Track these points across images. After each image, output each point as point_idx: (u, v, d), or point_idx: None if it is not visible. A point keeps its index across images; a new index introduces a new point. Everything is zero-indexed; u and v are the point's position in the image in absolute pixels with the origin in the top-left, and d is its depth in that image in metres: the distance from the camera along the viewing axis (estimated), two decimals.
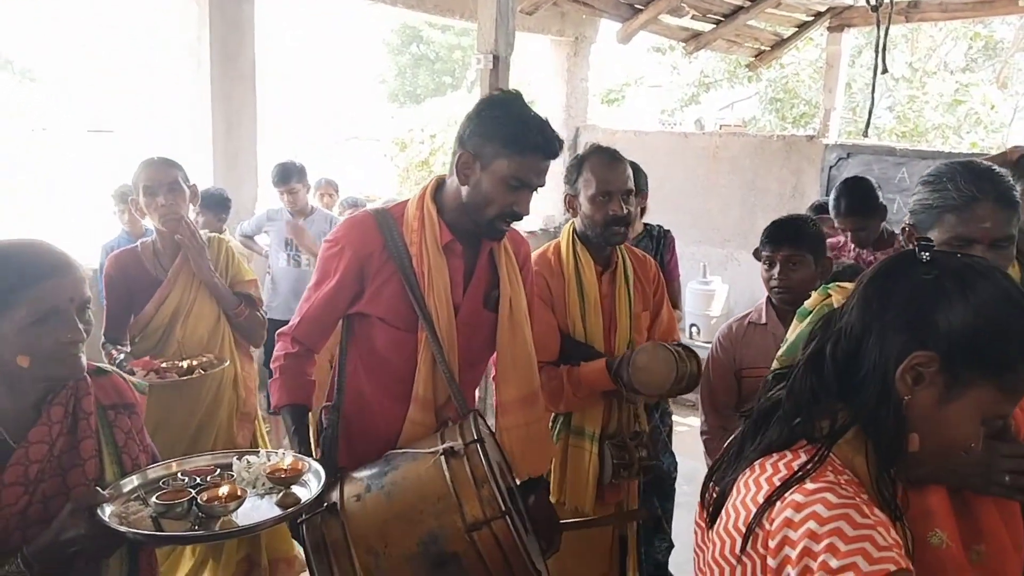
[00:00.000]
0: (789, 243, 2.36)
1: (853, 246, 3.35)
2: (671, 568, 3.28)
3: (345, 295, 1.91)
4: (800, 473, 1.03)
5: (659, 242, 3.33)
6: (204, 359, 2.66)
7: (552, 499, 2.28)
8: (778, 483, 1.04)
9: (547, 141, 1.82)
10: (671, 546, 3.28)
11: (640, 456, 2.31)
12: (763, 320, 2.46)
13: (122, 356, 2.62)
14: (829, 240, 3.33)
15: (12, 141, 14.48)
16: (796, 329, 1.68)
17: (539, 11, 6.22)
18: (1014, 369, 1.03)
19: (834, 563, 0.93)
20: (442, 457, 1.63)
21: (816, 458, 1.05)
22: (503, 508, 1.56)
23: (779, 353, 1.69)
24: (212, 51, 5.16)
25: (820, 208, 4.31)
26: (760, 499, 1.04)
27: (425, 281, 1.86)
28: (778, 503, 1.02)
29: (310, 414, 2.02)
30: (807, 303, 1.70)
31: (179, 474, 1.59)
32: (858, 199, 3.42)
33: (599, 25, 7.55)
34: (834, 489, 1.00)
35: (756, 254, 2.47)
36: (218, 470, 1.63)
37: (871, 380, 1.06)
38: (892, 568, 0.93)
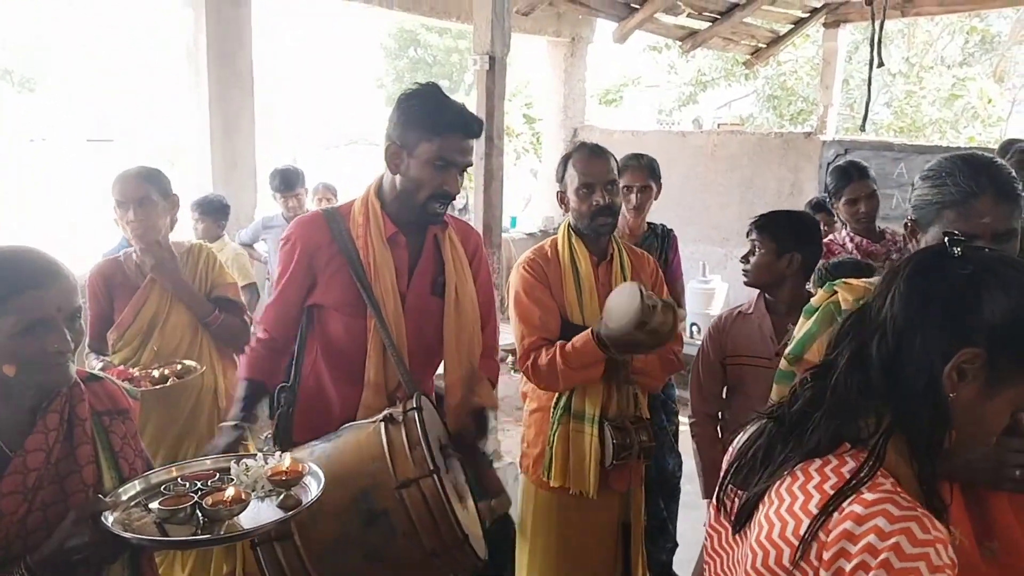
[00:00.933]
0: (757, 230, 2.48)
1: (851, 244, 3.34)
2: (675, 568, 3.28)
3: (298, 286, 2.06)
4: (855, 481, 1.01)
5: (664, 240, 3.34)
6: (179, 367, 2.63)
7: (555, 484, 2.35)
8: (831, 491, 1.01)
9: (464, 121, 1.96)
10: (675, 546, 3.28)
11: (640, 439, 2.33)
12: (751, 310, 2.56)
13: (100, 365, 2.58)
14: (827, 238, 3.33)
15: (12, 151, 14.50)
16: (803, 326, 1.68)
17: (535, 12, 6.24)
18: None
19: None
20: (382, 423, 1.74)
21: (870, 462, 1.02)
22: (431, 467, 1.64)
23: (787, 351, 1.69)
24: (209, 55, 5.17)
25: (818, 205, 4.30)
26: (813, 509, 1.02)
27: (372, 271, 1.99)
28: (835, 514, 0.99)
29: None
30: (812, 300, 1.71)
31: (179, 479, 1.59)
32: (849, 165, 3.46)
33: (595, 25, 7.57)
34: (895, 499, 0.98)
35: None
36: (217, 474, 1.63)
37: (917, 378, 1.04)
38: None
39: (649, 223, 3.34)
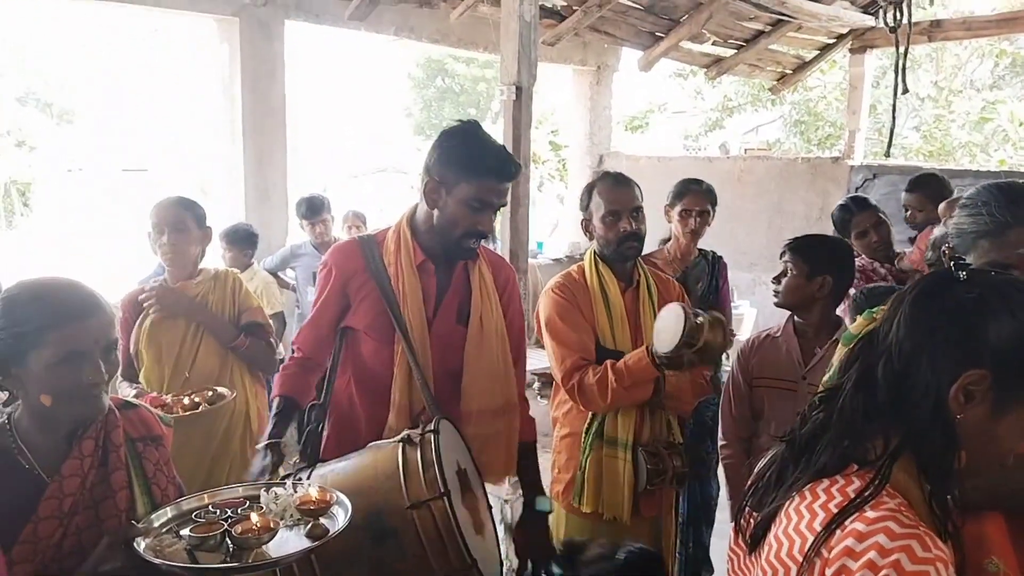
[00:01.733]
0: (790, 251, 2.50)
1: (884, 270, 3.31)
2: None
3: (333, 309, 2.13)
4: (858, 500, 1.02)
5: (713, 266, 3.35)
6: (210, 394, 2.68)
7: (587, 510, 2.36)
8: (835, 510, 1.03)
9: (501, 165, 2.01)
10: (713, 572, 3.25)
11: (674, 464, 2.32)
12: (779, 333, 2.56)
13: (133, 392, 2.64)
14: (860, 263, 3.31)
15: (50, 182, 14.87)
16: (839, 355, 1.67)
17: (561, 42, 6.31)
18: None
19: None
20: (399, 444, 1.78)
21: (875, 482, 1.04)
22: (443, 490, 1.66)
23: (824, 379, 1.68)
24: (243, 89, 5.30)
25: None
26: (817, 526, 1.03)
27: (401, 297, 2.05)
28: (838, 531, 1.01)
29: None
30: (852, 327, 1.69)
31: (210, 506, 1.61)
32: (848, 200, 3.52)
33: (621, 53, 7.63)
34: (896, 518, 0.99)
35: None
36: (247, 502, 1.65)
37: (924, 400, 1.05)
38: None
39: (700, 249, 3.34)
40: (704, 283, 3.27)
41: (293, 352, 2.19)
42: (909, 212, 3.48)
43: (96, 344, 1.43)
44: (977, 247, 1.52)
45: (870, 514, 1.00)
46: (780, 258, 2.52)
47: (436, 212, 2.05)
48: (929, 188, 3.39)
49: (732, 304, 6.26)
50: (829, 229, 6.53)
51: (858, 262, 3.29)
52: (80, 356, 1.41)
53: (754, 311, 6.33)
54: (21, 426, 1.49)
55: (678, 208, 3.23)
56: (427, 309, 2.09)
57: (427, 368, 2.06)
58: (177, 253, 2.76)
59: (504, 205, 2.10)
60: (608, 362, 2.32)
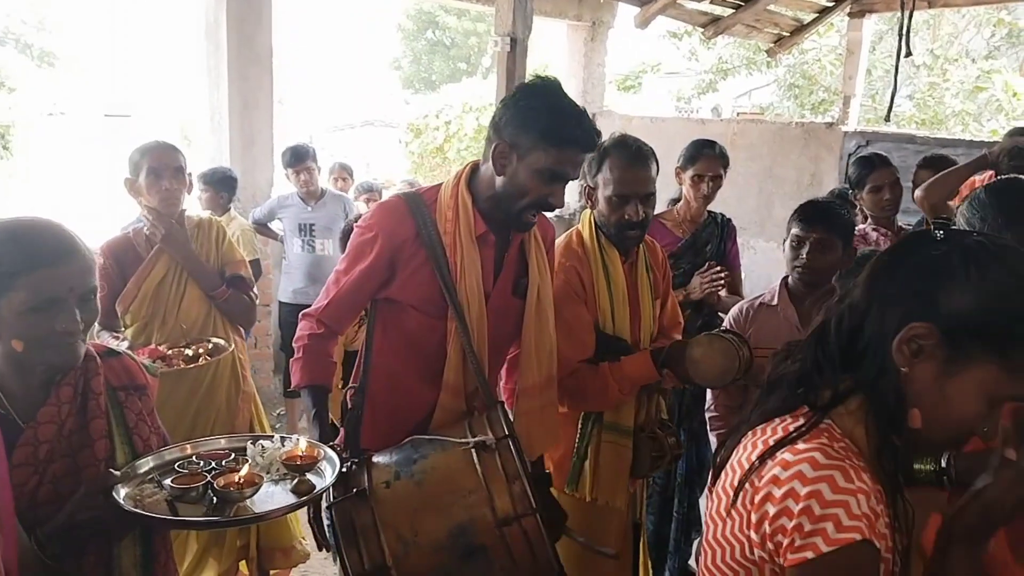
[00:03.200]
0: (823, 226, 2.35)
1: (876, 235, 3.30)
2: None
3: (375, 281, 1.92)
4: (794, 434, 1.06)
5: (723, 229, 3.28)
6: (210, 345, 2.64)
7: (590, 497, 2.27)
8: (772, 443, 1.07)
9: (585, 134, 1.81)
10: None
11: (670, 444, 2.30)
12: (775, 302, 2.48)
13: (125, 346, 2.57)
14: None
15: (30, 125, 14.57)
16: None
17: None
18: (1019, 348, 1.01)
19: (807, 526, 0.98)
20: (473, 450, 1.65)
21: (813, 421, 1.07)
22: (533, 506, 1.58)
23: None
24: (229, 32, 5.15)
25: (841, 196, 4.27)
26: (754, 457, 1.08)
27: (458, 271, 1.87)
28: (769, 461, 1.05)
29: (330, 396, 2.04)
30: None
31: (194, 457, 1.57)
32: (872, 154, 3.51)
33: (617, 9, 7.49)
34: (824, 450, 1.02)
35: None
36: (232, 454, 1.61)
37: (871, 351, 1.07)
38: (857, 537, 0.96)
39: (710, 211, 3.29)
40: (713, 245, 3.22)
41: (315, 327, 1.96)
42: (918, 190, 3.45)
43: (71, 292, 1.36)
44: None
45: (800, 446, 1.04)
46: (803, 233, 2.36)
47: (503, 178, 1.85)
48: (943, 166, 3.35)
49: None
50: (820, 195, 6.53)
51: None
52: (54, 303, 1.34)
53: (743, 275, 6.32)
54: None
55: (690, 172, 3.13)
56: (486, 282, 1.92)
57: (482, 347, 1.92)
58: (177, 198, 2.69)
59: (576, 178, 1.90)
60: (607, 366, 2.19)
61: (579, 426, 2.28)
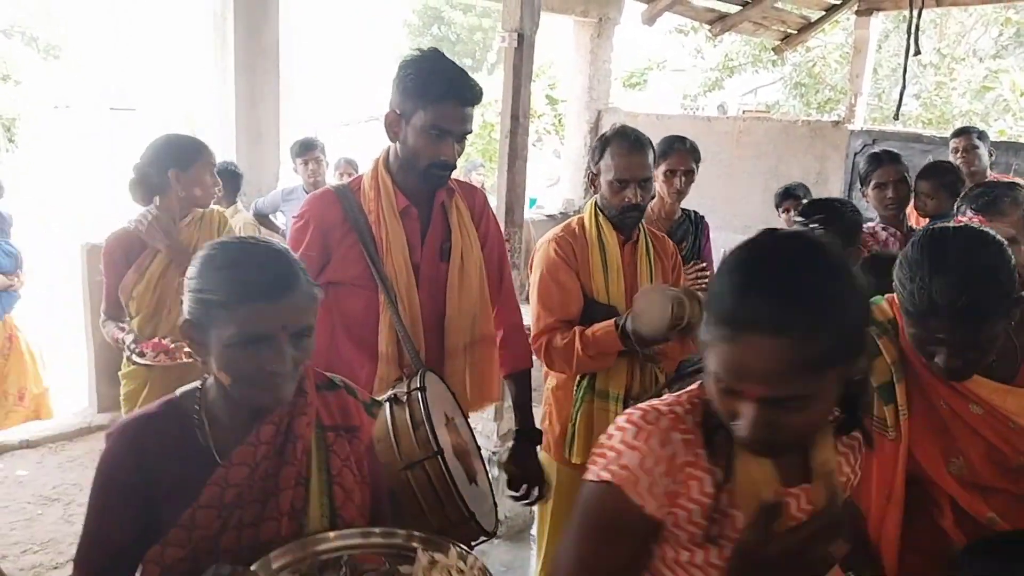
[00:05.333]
0: (833, 225, 2.38)
1: (885, 234, 3.28)
2: None
3: (312, 264, 2.02)
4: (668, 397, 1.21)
5: (697, 226, 3.32)
6: None
7: (577, 461, 2.34)
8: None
9: (459, 88, 1.93)
10: None
11: None
12: None
13: (131, 338, 2.60)
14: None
15: (36, 118, 14.58)
16: None
17: None
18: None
19: (594, 458, 1.17)
20: (387, 404, 1.76)
21: (689, 389, 1.20)
22: (436, 448, 1.67)
23: None
24: (236, 29, 5.16)
25: (785, 192, 4.41)
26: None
27: (383, 246, 2.00)
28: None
29: None
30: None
31: (344, 557, 1.32)
32: (881, 151, 3.46)
33: (623, 5, 7.47)
34: (654, 411, 1.14)
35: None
36: (387, 563, 1.35)
37: None
38: (608, 479, 1.11)
39: (683, 208, 3.30)
40: (688, 242, 3.24)
41: None
42: (919, 199, 3.43)
43: (284, 329, 1.24)
44: (905, 317, 1.45)
45: (647, 405, 1.17)
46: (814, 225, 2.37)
47: (399, 146, 2.00)
48: (945, 176, 3.33)
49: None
50: (826, 193, 6.51)
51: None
52: (263, 340, 1.23)
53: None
54: (209, 396, 1.36)
55: (663, 168, 3.15)
56: (413, 254, 2.05)
57: (415, 317, 2.03)
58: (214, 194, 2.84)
59: (468, 132, 2.00)
60: (577, 329, 2.30)
61: (573, 391, 2.39)
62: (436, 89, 1.91)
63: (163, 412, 1.35)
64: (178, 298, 2.70)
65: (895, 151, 3.46)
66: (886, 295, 1.61)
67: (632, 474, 1.09)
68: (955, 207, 2.35)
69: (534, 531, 3.49)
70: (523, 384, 2.31)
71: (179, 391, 1.40)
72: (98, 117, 15.50)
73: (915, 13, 4.05)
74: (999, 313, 1.35)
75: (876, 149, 3.53)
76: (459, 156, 2.02)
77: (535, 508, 2.55)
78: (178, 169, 2.69)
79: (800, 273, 1.01)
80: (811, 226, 2.39)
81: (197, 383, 1.38)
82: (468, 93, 1.95)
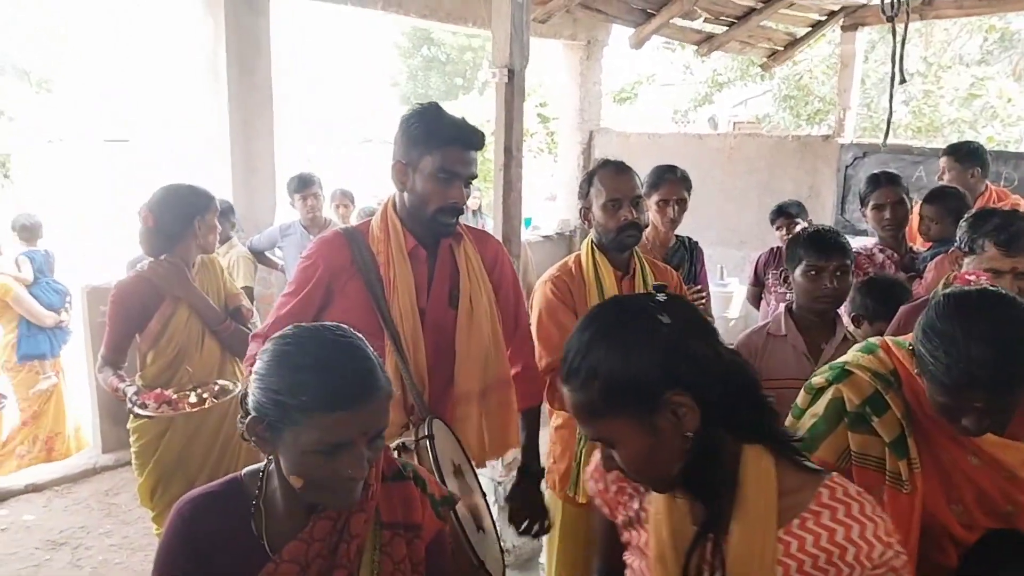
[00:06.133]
0: (840, 252, 2.38)
1: (882, 256, 3.29)
2: None
3: (314, 305, 2.08)
4: None
5: (691, 252, 3.37)
6: (216, 387, 2.67)
7: (583, 499, 2.36)
8: None
9: (463, 133, 2.01)
10: None
11: None
12: (783, 331, 2.48)
13: (132, 390, 2.56)
14: (858, 250, 3.28)
15: (30, 152, 14.63)
16: (806, 403, 1.66)
17: (552, 18, 6.23)
18: None
19: None
20: (394, 452, 1.76)
21: None
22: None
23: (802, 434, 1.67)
24: (229, 65, 5.20)
25: (778, 210, 4.45)
26: None
27: (391, 287, 2.03)
28: None
29: None
30: (813, 380, 1.67)
31: None
32: (881, 172, 3.43)
33: (611, 28, 7.55)
34: None
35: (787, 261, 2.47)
36: None
37: None
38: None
39: (677, 235, 3.34)
40: (684, 268, 3.28)
41: (261, 345, 2.09)
42: (923, 223, 3.45)
43: (364, 435, 1.20)
44: (933, 385, 1.42)
45: None
46: (822, 262, 2.35)
47: (407, 194, 2.05)
48: (948, 202, 3.35)
49: (721, 282, 6.32)
50: (818, 207, 6.57)
51: (857, 247, 3.29)
52: (344, 447, 1.18)
53: (744, 288, 6.35)
54: (270, 485, 1.30)
55: (655, 198, 3.20)
56: (420, 297, 2.07)
57: (420, 362, 2.04)
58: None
59: (474, 176, 2.07)
60: None
61: (577, 429, 2.37)
62: (442, 135, 1.98)
63: (224, 492, 1.31)
64: (196, 348, 2.75)
65: (894, 172, 3.46)
66: (879, 341, 1.63)
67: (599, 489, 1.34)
68: (966, 236, 2.33)
69: (542, 559, 3.52)
70: (531, 421, 2.32)
71: (245, 471, 1.34)
72: (92, 149, 15.56)
73: (898, 41, 4.09)
74: None
75: (878, 171, 3.52)
76: (467, 199, 2.08)
77: (543, 537, 2.57)
78: (199, 217, 2.75)
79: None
80: (833, 262, 2.38)
81: (261, 464, 1.32)
82: (473, 138, 2.02)
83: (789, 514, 1.13)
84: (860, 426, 1.52)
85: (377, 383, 1.20)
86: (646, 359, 1.10)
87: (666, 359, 1.10)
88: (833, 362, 1.66)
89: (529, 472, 2.29)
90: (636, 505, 1.29)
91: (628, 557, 1.32)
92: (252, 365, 2.05)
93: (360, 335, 1.26)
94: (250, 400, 1.23)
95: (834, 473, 1.16)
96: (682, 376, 1.10)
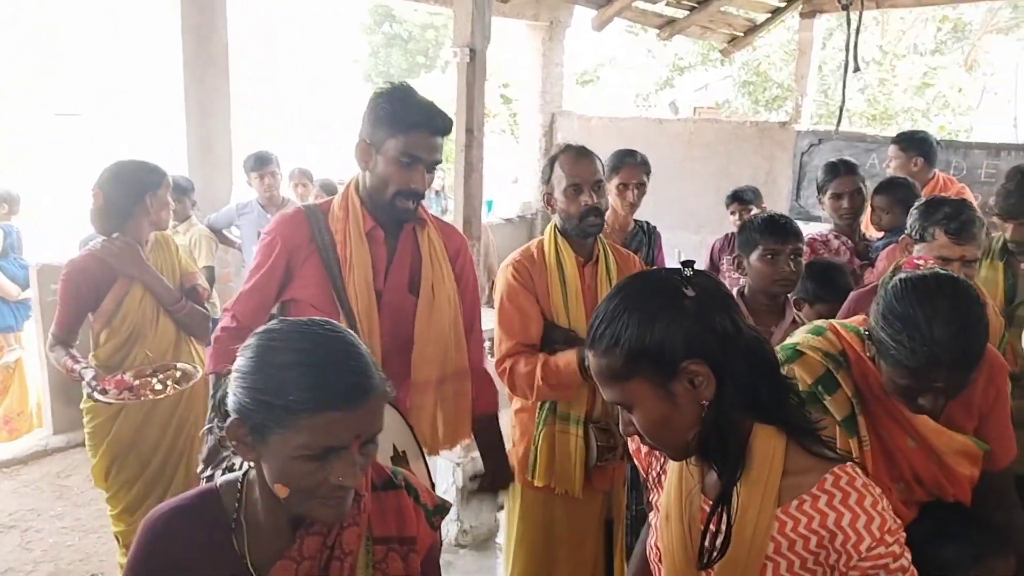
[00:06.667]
0: (795, 236, 2.43)
1: (837, 242, 3.35)
2: None
3: (275, 281, 2.09)
4: None
5: (650, 237, 3.40)
6: (178, 373, 2.64)
7: (539, 483, 2.40)
8: None
9: (429, 117, 1.98)
10: None
11: (624, 441, 2.37)
12: None
13: (90, 374, 2.52)
14: (809, 236, 3.35)
15: None
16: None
17: None
18: None
19: None
20: None
21: None
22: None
23: None
24: (184, 37, 5.10)
25: (733, 195, 4.51)
26: None
27: (347, 266, 2.03)
28: None
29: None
30: (796, 336, 1.71)
31: None
32: (839, 161, 3.49)
33: (574, 9, 7.54)
34: None
35: (741, 251, 2.50)
36: None
37: None
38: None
39: (635, 220, 3.37)
40: (643, 253, 3.32)
41: (228, 321, 2.10)
42: (875, 213, 3.52)
43: (357, 439, 1.09)
44: (895, 369, 1.47)
45: None
46: (779, 245, 2.37)
47: (368, 174, 2.04)
48: (899, 192, 3.42)
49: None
50: (775, 193, 6.66)
51: (812, 233, 3.35)
52: (335, 452, 1.08)
53: None
54: (250, 496, 1.20)
55: (615, 181, 3.23)
56: (377, 279, 2.06)
57: (374, 341, 2.03)
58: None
59: (438, 162, 2.04)
60: (541, 356, 2.33)
61: (536, 414, 2.42)
62: (408, 118, 1.95)
63: (199, 505, 1.20)
64: (151, 327, 2.71)
65: (852, 161, 3.52)
66: (826, 323, 1.67)
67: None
68: (916, 224, 2.38)
69: (500, 539, 3.56)
70: (493, 426, 2.34)
71: (220, 481, 1.23)
72: (42, 123, 15.12)
73: (852, 30, 4.15)
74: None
75: (835, 159, 3.57)
76: (429, 185, 2.06)
77: (500, 516, 2.58)
78: (150, 194, 2.69)
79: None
80: (788, 245, 2.41)
81: (239, 475, 1.22)
82: (439, 122, 1.99)
83: (790, 494, 1.15)
84: (812, 405, 1.56)
85: (371, 382, 1.10)
86: (667, 329, 1.13)
87: (687, 330, 1.13)
88: (784, 343, 1.69)
89: (496, 478, 2.34)
90: (658, 468, 1.37)
91: (651, 515, 1.40)
92: (216, 335, 2.09)
93: (351, 332, 1.18)
94: (230, 401, 1.12)
95: (850, 463, 1.18)
96: (701, 347, 1.12)
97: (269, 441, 1.08)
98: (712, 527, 1.18)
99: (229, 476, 1.24)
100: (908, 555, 1.13)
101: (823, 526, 1.13)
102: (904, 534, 1.14)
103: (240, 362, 1.13)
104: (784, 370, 1.61)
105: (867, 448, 1.55)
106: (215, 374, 2.09)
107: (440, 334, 2.14)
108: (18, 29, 15.57)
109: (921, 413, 1.50)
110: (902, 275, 1.52)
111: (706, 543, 1.18)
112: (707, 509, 1.20)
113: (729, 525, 1.15)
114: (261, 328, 1.17)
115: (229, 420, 1.12)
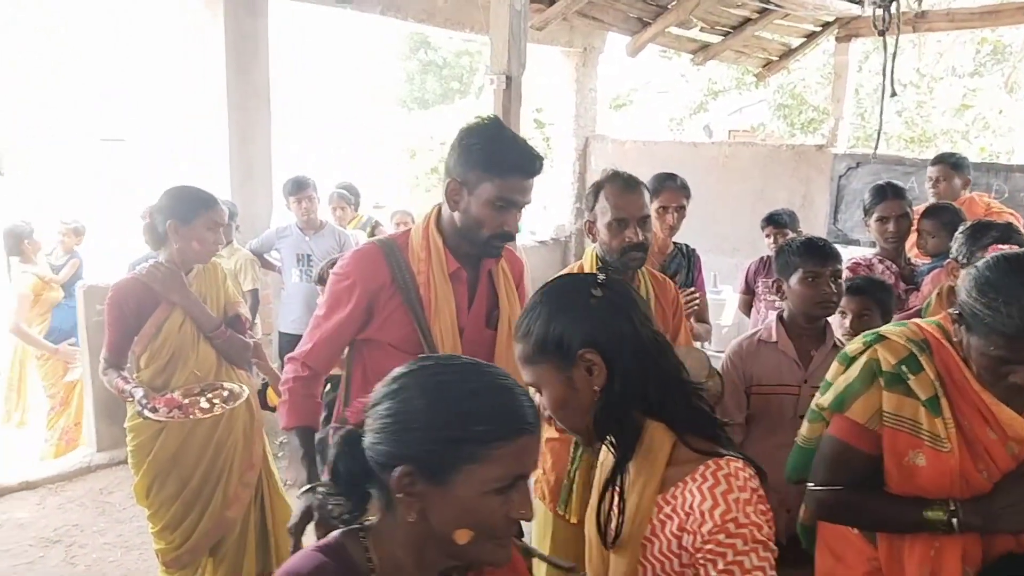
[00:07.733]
0: (835, 258, 2.44)
1: (881, 267, 3.32)
2: None
3: (354, 326, 2.04)
4: None
5: (689, 260, 3.40)
6: (225, 392, 2.70)
7: (573, 519, 2.33)
8: None
9: (526, 161, 1.93)
10: None
11: None
12: (773, 338, 2.51)
13: (140, 393, 2.59)
14: (852, 260, 3.32)
15: (28, 151, 14.61)
16: (840, 375, 1.72)
17: (549, 25, 6.28)
18: None
19: None
20: None
21: None
22: None
23: (824, 398, 1.73)
24: (227, 66, 5.23)
25: (769, 218, 4.45)
26: None
27: (431, 308, 1.99)
28: None
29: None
30: (848, 348, 1.74)
31: None
32: (887, 184, 3.45)
33: (607, 35, 7.61)
34: None
35: (781, 273, 2.50)
36: None
37: None
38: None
39: (675, 243, 3.38)
40: (682, 276, 3.32)
41: (300, 369, 2.04)
42: (921, 237, 3.49)
43: (535, 465, 1.06)
44: (990, 341, 1.48)
45: None
46: (820, 268, 2.39)
47: (458, 214, 1.97)
48: (945, 216, 3.39)
49: (715, 289, 6.37)
50: (811, 216, 6.61)
51: (856, 257, 3.33)
52: (519, 482, 1.03)
53: (736, 296, 6.40)
54: (381, 544, 1.08)
55: (655, 205, 3.22)
56: (460, 318, 2.05)
57: None
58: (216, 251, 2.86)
59: (529, 203, 1.99)
60: None
61: (571, 447, 2.36)
62: (505, 162, 1.90)
63: (325, 567, 1.06)
64: (192, 352, 2.77)
65: (900, 185, 3.47)
66: (907, 321, 1.72)
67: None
68: (964, 248, 2.38)
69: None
70: None
71: (337, 534, 1.12)
72: (88, 149, 15.54)
73: (888, 55, 4.15)
74: None
75: (883, 182, 3.53)
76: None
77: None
78: (177, 222, 2.70)
79: None
80: (829, 268, 2.43)
81: (354, 527, 1.11)
82: (536, 166, 1.95)
83: (670, 482, 1.27)
84: (896, 385, 1.60)
85: (535, 411, 1.07)
86: (570, 321, 1.29)
87: (587, 324, 1.28)
88: (866, 332, 1.72)
89: None
90: None
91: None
92: (288, 386, 2.03)
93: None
94: (383, 452, 1.03)
95: (731, 457, 1.26)
96: (597, 340, 1.27)
97: (452, 482, 1.00)
98: (606, 508, 1.34)
99: (345, 530, 1.12)
100: (761, 555, 1.17)
101: (683, 507, 1.23)
102: (764, 531, 1.19)
103: (386, 408, 1.05)
104: (866, 354, 1.66)
105: (951, 429, 1.57)
106: (298, 429, 2.01)
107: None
108: (58, 57, 16.10)
109: (1010, 395, 1.52)
110: (997, 253, 1.56)
111: (609, 525, 1.32)
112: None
113: (622, 510, 1.29)
114: (402, 370, 1.10)
115: (398, 471, 1.01)
